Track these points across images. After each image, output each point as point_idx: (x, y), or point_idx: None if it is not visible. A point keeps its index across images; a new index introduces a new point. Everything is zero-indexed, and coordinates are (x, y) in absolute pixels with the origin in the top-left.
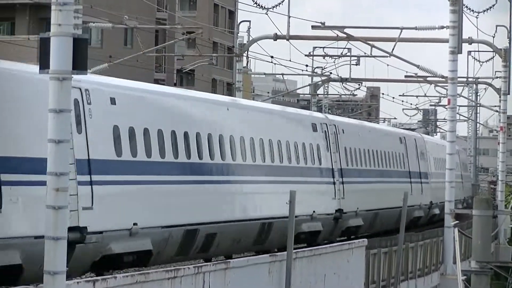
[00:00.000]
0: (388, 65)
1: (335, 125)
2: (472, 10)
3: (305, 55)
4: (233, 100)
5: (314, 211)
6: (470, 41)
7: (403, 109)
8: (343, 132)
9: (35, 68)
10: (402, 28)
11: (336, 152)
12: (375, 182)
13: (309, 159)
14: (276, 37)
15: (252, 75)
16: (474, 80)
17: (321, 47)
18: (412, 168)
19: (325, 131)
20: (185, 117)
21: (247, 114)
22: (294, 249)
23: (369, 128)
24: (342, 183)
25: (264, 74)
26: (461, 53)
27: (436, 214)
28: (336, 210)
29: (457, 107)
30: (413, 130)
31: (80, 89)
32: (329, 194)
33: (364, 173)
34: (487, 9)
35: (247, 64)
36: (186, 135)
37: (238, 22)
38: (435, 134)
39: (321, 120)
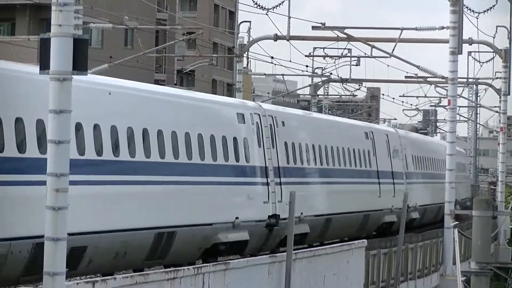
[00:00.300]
0: (388, 65)
1: (272, 117)
2: (473, 11)
3: (305, 56)
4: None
5: (237, 218)
6: (471, 41)
7: (403, 109)
8: (283, 125)
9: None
10: (402, 29)
11: (272, 148)
12: (329, 183)
13: (230, 155)
14: (276, 37)
15: (253, 76)
16: (474, 80)
17: (321, 48)
18: (382, 167)
19: (256, 122)
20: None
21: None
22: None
23: (323, 121)
24: (280, 184)
25: (265, 74)
26: (461, 53)
27: (415, 218)
28: (270, 216)
29: (457, 107)
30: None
31: None
32: (259, 197)
33: (312, 173)
34: (487, 10)
35: (247, 64)
36: None
37: (239, 22)
38: (435, 134)
39: (251, 110)
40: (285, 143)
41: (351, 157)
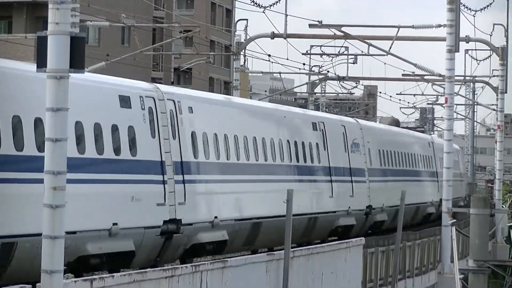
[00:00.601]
0: (385, 63)
1: (174, 101)
2: (470, 9)
3: (302, 54)
4: None
5: (114, 224)
6: (468, 39)
7: (400, 107)
8: (191, 111)
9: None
10: (399, 27)
11: (173, 139)
12: (255, 181)
13: (107, 148)
14: (273, 35)
15: (250, 74)
16: (472, 78)
17: (318, 46)
18: (336, 163)
19: (149, 107)
20: None
21: None
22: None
23: (252, 108)
24: (183, 182)
25: (262, 72)
26: (458, 51)
27: (382, 221)
28: (167, 221)
29: (455, 105)
30: (412, 128)
31: None
32: (151, 198)
33: (231, 169)
34: (484, 8)
35: (244, 62)
36: None
37: (236, 20)
38: (432, 132)
39: (141, 93)
40: (193, 134)
41: (290, 151)
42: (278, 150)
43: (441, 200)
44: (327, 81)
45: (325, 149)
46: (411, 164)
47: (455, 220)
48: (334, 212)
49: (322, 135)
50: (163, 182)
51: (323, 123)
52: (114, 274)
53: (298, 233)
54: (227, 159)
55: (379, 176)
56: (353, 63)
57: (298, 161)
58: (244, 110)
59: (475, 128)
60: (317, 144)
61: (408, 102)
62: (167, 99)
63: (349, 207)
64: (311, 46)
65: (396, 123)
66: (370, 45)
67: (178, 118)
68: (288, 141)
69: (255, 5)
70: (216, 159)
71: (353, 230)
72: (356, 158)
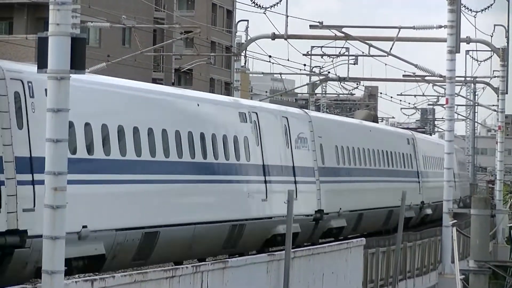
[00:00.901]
0: (386, 64)
1: (22, 81)
2: (470, 10)
3: (303, 55)
4: None
5: None
6: (468, 40)
7: (401, 108)
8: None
9: None
10: (400, 28)
11: (18, 129)
12: (148, 182)
13: None
14: (274, 36)
15: (250, 75)
16: (472, 79)
17: (319, 47)
18: (273, 161)
19: (16, 93)
20: None
21: None
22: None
23: (144, 93)
24: (33, 183)
25: (262, 73)
26: (459, 52)
27: (342, 227)
28: (4, 233)
29: (455, 106)
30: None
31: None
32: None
33: (110, 167)
34: (485, 9)
35: (245, 63)
36: None
37: (236, 21)
38: (433, 133)
39: None
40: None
41: (200, 146)
42: (181, 144)
43: (422, 203)
44: (328, 82)
45: (258, 144)
46: (383, 163)
47: (456, 221)
48: (270, 218)
49: (254, 128)
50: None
51: (256, 113)
52: (115, 274)
53: (218, 243)
54: (106, 155)
55: (335, 176)
56: (354, 64)
57: (216, 158)
58: (134, 96)
59: (476, 128)
60: (246, 138)
61: (409, 103)
62: (11, 79)
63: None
64: (312, 47)
65: (373, 117)
66: (370, 46)
67: (27, 102)
68: (202, 134)
69: (256, 6)
70: (88, 155)
71: (298, 238)
72: (302, 155)
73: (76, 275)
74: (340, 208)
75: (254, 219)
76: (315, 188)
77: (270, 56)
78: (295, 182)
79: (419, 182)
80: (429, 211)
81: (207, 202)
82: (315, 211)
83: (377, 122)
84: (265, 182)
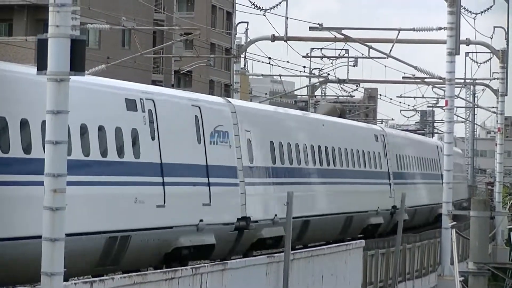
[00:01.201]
0: (385, 66)
1: None
2: (470, 12)
3: (303, 57)
4: None
5: None
6: (468, 42)
7: (400, 110)
8: None
9: None
10: (399, 30)
11: None
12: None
13: None
14: (273, 38)
15: (250, 77)
16: (472, 81)
17: (318, 49)
18: (175, 159)
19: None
20: None
21: None
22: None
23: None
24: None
25: (262, 75)
26: (458, 54)
27: (278, 237)
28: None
29: (455, 108)
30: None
31: None
32: None
33: None
34: (485, 11)
35: (244, 65)
36: None
37: (236, 23)
38: (432, 135)
39: None
40: None
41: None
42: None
43: (394, 207)
44: (328, 83)
45: (153, 139)
46: (341, 163)
47: (455, 223)
48: (171, 227)
49: (149, 120)
50: None
51: (153, 101)
52: (114, 276)
53: (93, 260)
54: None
55: (268, 177)
56: (354, 65)
57: (87, 155)
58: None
59: (475, 130)
60: (134, 130)
61: (409, 105)
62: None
63: (201, 220)
64: (312, 49)
65: (340, 111)
66: (370, 47)
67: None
68: (80, 127)
69: (255, 8)
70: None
71: (215, 252)
72: (220, 152)
73: (75, 278)
74: (276, 215)
75: (146, 230)
76: (238, 192)
77: (269, 58)
78: (209, 184)
79: (390, 185)
80: (405, 216)
81: (79, 209)
82: (238, 219)
83: (345, 118)
84: (163, 184)
